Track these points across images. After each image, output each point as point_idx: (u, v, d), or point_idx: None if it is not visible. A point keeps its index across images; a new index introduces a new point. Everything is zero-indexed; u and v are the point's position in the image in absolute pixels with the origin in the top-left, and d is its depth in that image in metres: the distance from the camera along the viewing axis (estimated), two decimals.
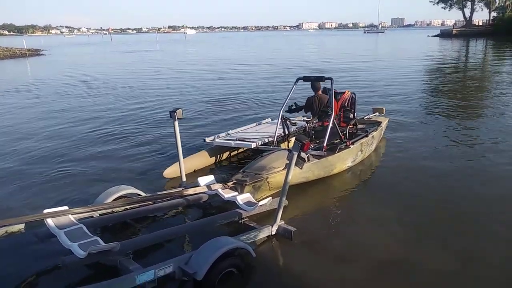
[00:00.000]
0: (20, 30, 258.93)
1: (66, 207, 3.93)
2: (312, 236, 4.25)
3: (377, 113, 8.33)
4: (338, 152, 5.83)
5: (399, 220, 4.62)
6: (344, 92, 6.93)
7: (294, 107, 7.17)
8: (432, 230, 4.38)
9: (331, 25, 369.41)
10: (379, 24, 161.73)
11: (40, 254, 3.84)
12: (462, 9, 74.85)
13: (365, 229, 4.44)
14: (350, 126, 6.71)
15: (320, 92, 7.48)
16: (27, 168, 6.68)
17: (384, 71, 20.65)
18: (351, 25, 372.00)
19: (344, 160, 6.02)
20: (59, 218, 3.76)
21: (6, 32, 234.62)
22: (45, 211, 3.80)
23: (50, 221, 3.69)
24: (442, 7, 77.90)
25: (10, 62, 36.33)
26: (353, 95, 6.95)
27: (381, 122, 7.69)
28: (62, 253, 3.38)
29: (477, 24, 77.66)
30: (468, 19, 74.97)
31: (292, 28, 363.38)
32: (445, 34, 69.62)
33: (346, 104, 6.87)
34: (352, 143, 6.16)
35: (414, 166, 6.38)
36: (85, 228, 3.64)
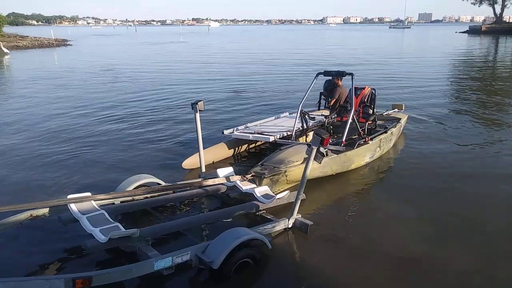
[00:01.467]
0: (48, 20, 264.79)
1: (89, 194, 4.06)
2: (328, 231, 4.27)
3: (396, 110, 8.25)
4: (356, 147, 5.81)
5: (417, 217, 4.60)
6: (364, 88, 6.88)
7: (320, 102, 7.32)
8: (452, 228, 4.33)
9: (356, 20, 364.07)
10: (406, 19, 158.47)
11: (63, 238, 3.99)
12: (492, 5, 72.46)
13: (382, 225, 4.43)
14: (369, 122, 6.67)
15: (340, 82, 7.51)
16: (52, 153, 6.90)
17: (407, 67, 20.30)
18: (377, 20, 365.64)
19: (362, 155, 5.99)
20: (82, 203, 3.89)
21: (34, 22, 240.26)
22: (69, 196, 3.93)
23: (73, 206, 3.82)
24: (471, 3, 75.93)
25: (38, 51, 37.30)
26: (373, 91, 6.89)
27: (400, 118, 7.61)
28: (84, 237, 3.49)
29: (507, 21, 75.24)
30: (498, 15, 72.56)
31: (316, 22, 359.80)
32: (474, 30, 67.75)
33: (365, 99, 6.82)
34: (371, 139, 6.12)
35: (433, 163, 6.30)
36: (106, 214, 3.75)
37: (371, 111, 6.72)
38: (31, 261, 3.70)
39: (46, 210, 3.84)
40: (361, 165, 6.01)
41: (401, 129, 7.55)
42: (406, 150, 7.05)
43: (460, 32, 69.85)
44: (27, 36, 51.58)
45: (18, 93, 13.85)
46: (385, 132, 6.58)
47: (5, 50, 34.00)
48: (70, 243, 3.90)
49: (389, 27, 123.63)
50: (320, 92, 7.96)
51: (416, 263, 3.70)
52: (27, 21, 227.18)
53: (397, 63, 22.54)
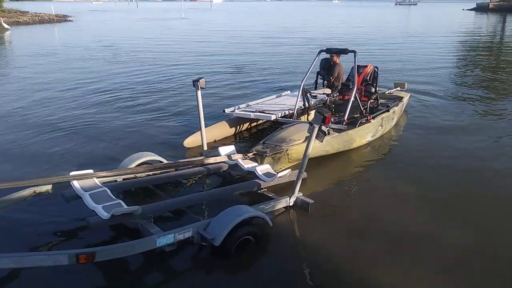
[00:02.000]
0: None
1: (91, 171, 4.07)
2: (329, 209, 4.30)
3: (399, 88, 8.20)
4: (358, 126, 5.79)
5: (417, 196, 4.61)
6: (366, 66, 6.81)
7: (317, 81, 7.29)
8: (452, 207, 4.36)
9: None
10: None
11: (66, 214, 4.02)
12: None
13: (383, 204, 4.45)
14: (371, 101, 6.63)
15: (338, 60, 7.51)
16: (52, 129, 6.92)
17: (411, 45, 20.05)
18: None
19: (364, 134, 5.97)
20: (84, 180, 3.91)
21: None
22: (72, 173, 3.94)
23: (76, 183, 3.84)
24: None
25: (39, 27, 36.86)
26: (376, 69, 6.83)
27: (402, 97, 7.56)
28: (87, 214, 3.52)
29: None
30: None
31: None
32: (481, 8, 66.36)
33: (368, 78, 6.76)
34: (373, 118, 6.09)
35: (435, 142, 6.29)
36: (109, 191, 3.77)
37: (373, 90, 6.67)
38: (34, 237, 3.75)
39: (49, 187, 3.87)
40: (362, 144, 6.00)
41: (403, 107, 7.51)
42: (408, 129, 7.03)
43: (467, 10, 68.55)
44: (28, 12, 50.90)
45: (19, 69, 13.78)
46: (387, 111, 6.54)
47: (6, 26, 33.61)
48: (73, 220, 3.94)
49: (395, 4, 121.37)
50: (317, 72, 7.92)
51: (416, 241, 3.73)
52: None
53: (401, 41, 22.23)
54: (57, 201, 3.95)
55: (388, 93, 7.91)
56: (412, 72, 12.26)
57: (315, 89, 7.91)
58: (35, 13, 50.07)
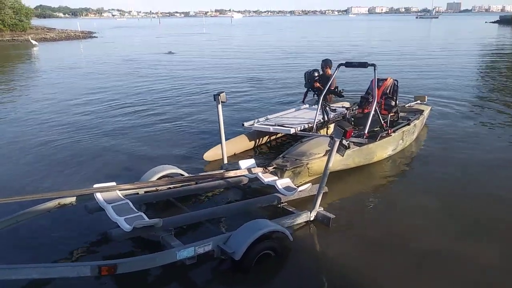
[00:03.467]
0: (74, 13, 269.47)
1: (114, 183, 4.14)
2: (350, 224, 4.24)
3: (419, 101, 8.10)
4: (379, 140, 5.74)
5: (440, 210, 4.52)
6: (386, 79, 6.76)
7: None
8: (476, 223, 4.25)
9: (382, 10, 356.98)
10: (433, 9, 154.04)
11: (89, 226, 4.10)
12: None
13: (405, 219, 4.37)
14: (392, 114, 6.57)
15: (330, 71, 7.63)
16: (75, 142, 7.10)
17: (432, 58, 19.80)
18: (403, 9, 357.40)
19: (385, 148, 5.91)
20: (107, 193, 3.97)
21: (61, 15, 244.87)
22: (95, 186, 4.02)
23: (99, 196, 3.90)
24: None
25: (65, 43, 38.11)
26: (395, 82, 6.77)
27: (423, 110, 7.47)
28: (109, 226, 3.57)
29: None
30: None
31: (340, 13, 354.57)
32: (505, 20, 65.36)
33: (388, 91, 6.71)
34: (393, 131, 6.03)
35: (457, 156, 6.16)
36: (131, 204, 3.82)
37: (393, 103, 6.60)
38: (58, 248, 3.82)
39: (73, 199, 3.95)
40: (383, 157, 5.93)
41: (424, 121, 7.41)
42: (429, 142, 6.92)
43: (490, 22, 67.57)
44: (54, 29, 52.75)
45: (45, 82, 14.25)
46: (408, 124, 6.47)
47: (34, 42, 34.90)
48: (95, 232, 4.00)
49: (416, 17, 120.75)
50: (310, 88, 7.99)
51: (438, 257, 3.64)
52: (54, 13, 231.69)
53: (422, 54, 22.00)
54: (81, 213, 4.01)
55: (408, 106, 7.84)
56: (433, 85, 12.09)
57: (303, 102, 8.03)
58: (62, 29, 51.81)
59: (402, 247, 3.82)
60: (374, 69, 6.16)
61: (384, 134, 5.89)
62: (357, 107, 6.74)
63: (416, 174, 5.73)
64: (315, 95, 8.49)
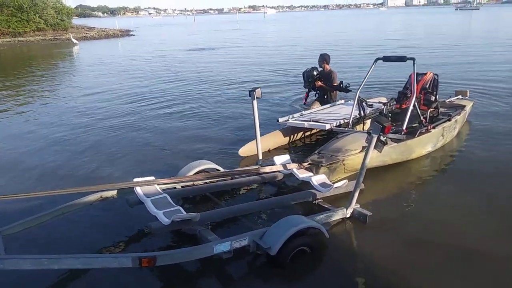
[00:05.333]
0: (113, 12, 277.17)
1: (152, 177, 4.24)
2: (387, 221, 4.16)
3: (460, 96, 7.79)
4: (418, 136, 5.58)
5: (481, 210, 4.35)
6: (425, 73, 6.56)
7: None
8: None
9: (419, 2, 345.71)
10: (474, 0, 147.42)
11: (129, 219, 4.22)
12: None
13: (444, 217, 4.23)
14: (431, 109, 6.36)
15: (329, 66, 7.78)
16: (117, 139, 7.31)
17: (474, 51, 18.99)
18: (442, 1, 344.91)
19: (424, 144, 5.74)
20: (146, 187, 4.08)
21: (100, 14, 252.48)
22: (135, 180, 4.14)
23: (138, 189, 4.02)
24: None
25: (104, 41, 39.39)
26: (436, 77, 6.55)
27: (464, 105, 7.18)
28: (148, 219, 3.67)
29: None
30: None
31: (375, 6, 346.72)
32: None
33: (427, 86, 6.50)
34: (433, 127, 5.84)
35: (501, 154, 5.89)
36: (169, 198, 3.91)
37: (433, 98, 6.40)
38: (100, 239, 3.96)
39: (114, 192, 4.08)
40: (422, 154, 5.77)
41: (466, 117, 7.14)
42: (471, 139, 6.66)
43: None
44: (94, 28, 54.50)
45: (85, 80, 14.76)
46: (449, 120, 6.25)
47: (74, 40, 36.28)
48: (135, 224, 4.12)
49: (455, 9, 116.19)
50: (311, 88, 7.94)
51: (479, 256, 3.52)
52: (94, 12, 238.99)
53: (462, 47, 21.18)
54: (122, 206, 4.15)
55: (449, 101, 7.57)
56: (475, 80, 11.61)
57: (305, 104, 8.02)
58: (101, 28, 53.51)
59: (440, 246, 3.71)
60: (413, 63, 5.98)
61: (423, 130, 5.73)
62: (394, 102, 6.59)
63: (456, 172, 5.54)
64: (317, 94, 8.39)
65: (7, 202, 4.31)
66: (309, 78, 8.02)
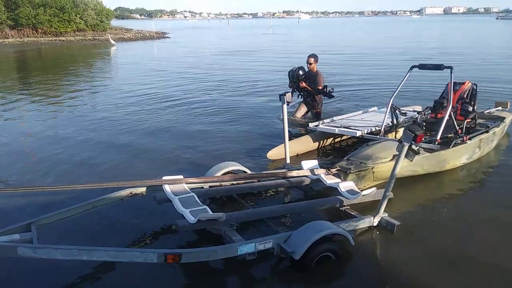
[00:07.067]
0: (150, 14, 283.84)
1: (181, 176, 4.32)
2: (416, 232, 4.06)
3: (500, 108, 7.50)
4: (452, 146, 5.42)
5: None
6: (463, 83, 6.36)
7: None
8: None
9: (458, 10, 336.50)
10: None
11: (157, 216, 4.31)
12: None
13: (476, 232, 4.09)
14: (468, 120, 6.16)
15: (316, 67, 7.75)
16: (149, 139, 7.47)
17: None
18: (482, 10, 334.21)
19: (459, 156, 5.57)
20: (174, 185, 4.16)
21: (138, 16, 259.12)
22: (164, 178, 4.22)
23: (167, 187, 4.09)
24: None
25: (140, 43, 40.50)
26: (474, 87, 6.35)
27: (504, 117, 6.92)
28: (175, 217, 3.73)
29: None
30: None
31: (413, 13, 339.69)
32: None
33: (465, 95, 6.31)
34: (469, 139, 5.66)
35: None
36: (196, 197, 3.96)
37: (470, 108, 6.20)
38: (127, 234, 4.06)
39: (143, 189, 4.17)
40: (456, 166, 5.60)
41: (505, 129, 6.88)
42: (510, 153, 6.41)
43: None
44: (131, 29, 56.04)
45: (121, 78, 15.20)
46: (487, 131, 6.04)
47: (112, 41, 37.49)
48: (162, 221, 4.20)
49: (496, 18, 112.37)
50: (295, 88, 7.74)
51: (508, 275, 3.37)
52: (132, 15, 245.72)
53: (503, 58, 20.44)
54: (150, 202, 4.23)
55: (488, 112, 7.31)
56: None
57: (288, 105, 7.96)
58: (138, 30, 54.94)
59: (469, 261, 3.59)
60: (451, 72, 5.82)
61: (459, 141, 5.56)
62: (429, 111, 6.43)
63: (492, 186, 5.33)
64: (300, 96, 8.21)
65: (43, 193, 4.49)
66: (294, 78, 7.88)
